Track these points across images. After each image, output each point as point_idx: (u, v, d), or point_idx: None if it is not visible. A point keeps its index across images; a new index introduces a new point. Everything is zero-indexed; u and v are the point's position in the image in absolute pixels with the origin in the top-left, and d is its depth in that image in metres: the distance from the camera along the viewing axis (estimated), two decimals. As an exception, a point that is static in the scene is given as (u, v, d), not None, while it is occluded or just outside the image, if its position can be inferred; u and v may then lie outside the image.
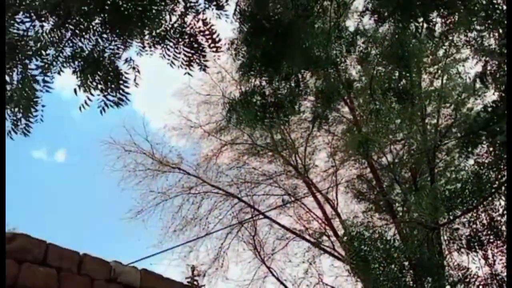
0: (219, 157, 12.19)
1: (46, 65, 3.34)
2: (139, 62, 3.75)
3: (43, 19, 3.30)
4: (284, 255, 12.21)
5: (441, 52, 9.74)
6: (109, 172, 11.08)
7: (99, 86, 3.40)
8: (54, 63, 3.47)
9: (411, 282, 5.70)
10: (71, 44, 3.49)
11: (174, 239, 11.29)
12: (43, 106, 3.30)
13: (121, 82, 3.44)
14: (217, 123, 11.99)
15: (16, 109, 3.20)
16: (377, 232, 6.52)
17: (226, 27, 4.45)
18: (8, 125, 3.23)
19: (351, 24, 7.43)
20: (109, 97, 3.39)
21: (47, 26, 3.44)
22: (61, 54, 3.45)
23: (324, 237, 12.50)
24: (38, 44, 3.30)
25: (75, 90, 3.30)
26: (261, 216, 12.29)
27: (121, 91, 3.37)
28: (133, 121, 11.52)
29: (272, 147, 12.24)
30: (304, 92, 6.71)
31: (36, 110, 3.31)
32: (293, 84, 5.87)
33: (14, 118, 3.25)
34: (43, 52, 3.30)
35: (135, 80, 3.51)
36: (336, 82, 6.87)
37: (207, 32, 3.67)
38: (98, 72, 3.49)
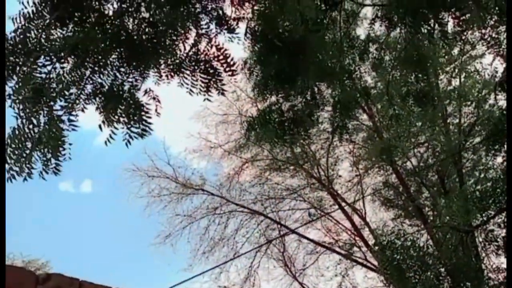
0: (241, 175, 12.22)
1: (70, 104, 3.44)
2: (157, 88, 3.84)
3: (63, 60, 3.41)
4: (316, 270, 12.06)
5: (456, 51, 9.62)
6: (134, 199, 11.22)
7: (122, 119, 3.47)
8: (77, 101, 3.58)
9: (450, 289, 5.56)
10: (91, 81, 3.59)
11: (203, 261, 11.30)
12: (70, 144, 3.39)
13: (143, 113, 3.51)
14: (236, 142, 12.05)
15: (46, 150, 3.29)
16: (409, 240, 6.39)
17: (239, 47, 4.51)
18: (39, 166, 3.32)
19: (361, 32, 7.45)
20: (132, 129, 3.46)
21: (67, 67, 3.56)
22: (82, 92, 3.56)
23: (355, 248, 12.31)
24: (61, 85, 3.41)
25: (100, 126, 3.38)
26: (288, 232, 12.19)
27: (143, 122, 3.44)
28: (154, 147, 11.68)
29: (293, 161, 12.20)
30: (321, 103, 6.72)
31: (64, 149, 3.40)
32: (309, 98, 5.90)
33: (44, 158, 3.33)
34: (66, 92, 3.41)
35: (156, 110, 3.57)
36: (352, 90, 6.86)
37: (221, 57, 3.73)
38: (120, 106, 3.57)
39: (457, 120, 10.48)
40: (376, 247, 5.94)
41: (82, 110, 3.65)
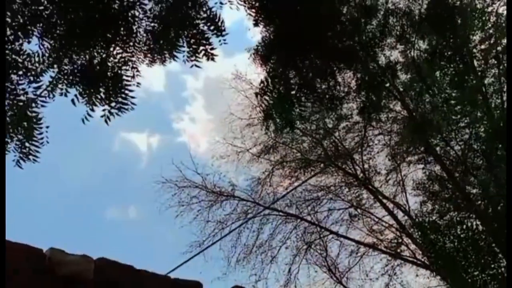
0: (271, 178, 11.72)
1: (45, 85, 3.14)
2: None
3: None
4: (361, 272, 11.26)
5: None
6: (165, 210, 10.97)
7: (99, 96, 3.13)
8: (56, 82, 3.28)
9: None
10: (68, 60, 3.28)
11: (238, 269, 10.81)
12: (47, 127, 3.06)
13: (123, 85, 3.15)
14: (264, 144, 11.61)
15: (19, 134, 2.98)
16: (458, 228, 5.66)
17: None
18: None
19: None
20: (112, 104, 3.10)
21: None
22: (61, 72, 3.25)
23: (402, 246, 11.42)
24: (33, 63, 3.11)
25: (72, 101, 3.04)
26: (328, 233, 11.53)
27: (122, 96, 3.07)
28: (181, 157, 11.46)
29: (324, 159, 11.58)
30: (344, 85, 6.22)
31: (41, 133, 3.09)
32: (331, 81, 5.39)
33: (19, 144, 3.02)
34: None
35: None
36: (374, 66, 6.29)
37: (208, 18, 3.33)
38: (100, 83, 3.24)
39: (499, 100, 9.54)
40: (413, 229, 5.23)
41: (65, 95, 3.35)
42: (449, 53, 4.87)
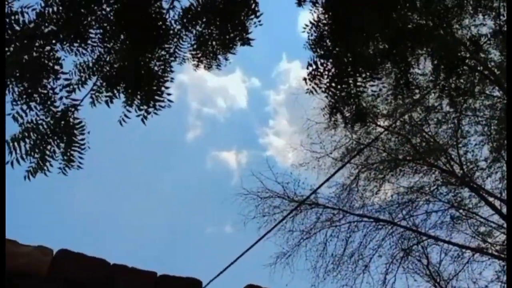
0: (357, 183, 11.03)
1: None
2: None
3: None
4: (468, 279, 10.02)
5: None
6: (248, 222, 10.85)
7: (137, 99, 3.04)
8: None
9: None
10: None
11: (328, 280, 10.24)
12: (88, 132, 3.05)
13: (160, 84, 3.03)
14: (346, 146, 11.03)
15: (59, 142, 2.98)
16: None
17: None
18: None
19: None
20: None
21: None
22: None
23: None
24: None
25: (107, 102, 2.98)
26: (424, 239, 10.51)
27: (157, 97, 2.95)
28: (261, 168, 11.33)
29: (414, 156, 10.64)
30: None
31: (83, 139, 3.07)
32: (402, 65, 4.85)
33: (63, 151, 3.03)
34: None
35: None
36: (452, 40, 5.56)
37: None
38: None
39: None
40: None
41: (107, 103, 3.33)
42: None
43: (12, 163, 2.71)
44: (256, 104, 18.50)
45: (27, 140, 2.82)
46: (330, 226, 10.50)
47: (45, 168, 2.86)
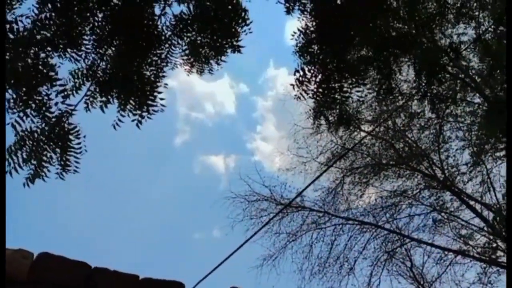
0: (342, 186, 11.21)
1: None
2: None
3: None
4: (450, 281, 10.25)
5: None
6: (235, 224, 10.91)
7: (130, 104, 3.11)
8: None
9: None
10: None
11: (314, 282, 10.37)
12: (84, 136, 3.10)
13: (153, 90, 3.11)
14: (331, 151, 11.20)
15: (55, 147, 3.03)
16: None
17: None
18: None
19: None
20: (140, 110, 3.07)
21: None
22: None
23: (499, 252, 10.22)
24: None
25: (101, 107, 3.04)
26: (408, 241, 10.71)
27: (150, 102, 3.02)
28: (248, 172, 11.42)
29: (398, 160, 10.87)
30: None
31: (79, 143, 3.12)
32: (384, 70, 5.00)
33: (58, 157, 3.07)
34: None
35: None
36: (434, 47, 5.75)
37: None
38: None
39: None
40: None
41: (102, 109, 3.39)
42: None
43: (10, 173, 2.75)
44: (244, 110, 18.66)
45: (24, 148, 2.86)
46: (316, 229, 10.65)
47: (43, 174, 2.91)
